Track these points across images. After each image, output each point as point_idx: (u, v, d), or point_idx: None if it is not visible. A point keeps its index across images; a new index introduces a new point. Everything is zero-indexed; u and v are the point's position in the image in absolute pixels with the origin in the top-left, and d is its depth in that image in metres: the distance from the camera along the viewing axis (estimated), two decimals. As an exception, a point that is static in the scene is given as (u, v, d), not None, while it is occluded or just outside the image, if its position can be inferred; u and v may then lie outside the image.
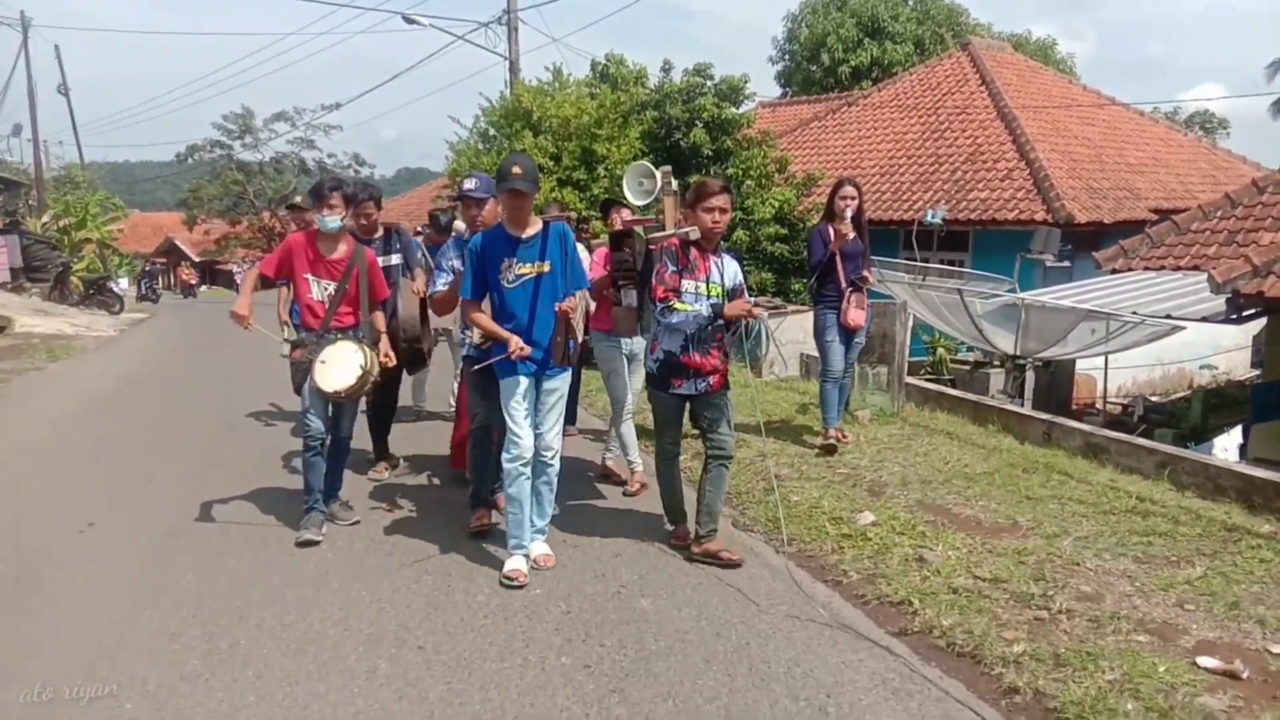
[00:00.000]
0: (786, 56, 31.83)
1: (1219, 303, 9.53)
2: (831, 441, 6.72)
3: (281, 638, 3.89)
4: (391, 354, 5.28)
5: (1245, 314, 9.65)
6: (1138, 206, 15.29)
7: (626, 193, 5.55)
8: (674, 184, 5.23)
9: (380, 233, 6.32)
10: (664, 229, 4.94)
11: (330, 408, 5.06)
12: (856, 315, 6.71)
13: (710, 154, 15.81)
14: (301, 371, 4.99)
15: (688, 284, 4.52)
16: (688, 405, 4.78)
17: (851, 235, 6.52)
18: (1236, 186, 12.11)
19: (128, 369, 12.68)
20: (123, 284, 28.42)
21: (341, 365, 4.89)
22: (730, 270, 4.69)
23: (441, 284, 5.18)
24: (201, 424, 8.27)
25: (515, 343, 4.34)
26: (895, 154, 18.05)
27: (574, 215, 6.60)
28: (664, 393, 4.72)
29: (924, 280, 13.09)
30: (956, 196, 15.59)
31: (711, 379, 4.66)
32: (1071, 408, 13.35)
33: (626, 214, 5.95)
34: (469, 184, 5.18)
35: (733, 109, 16.17)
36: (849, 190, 6.64)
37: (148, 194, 70.71)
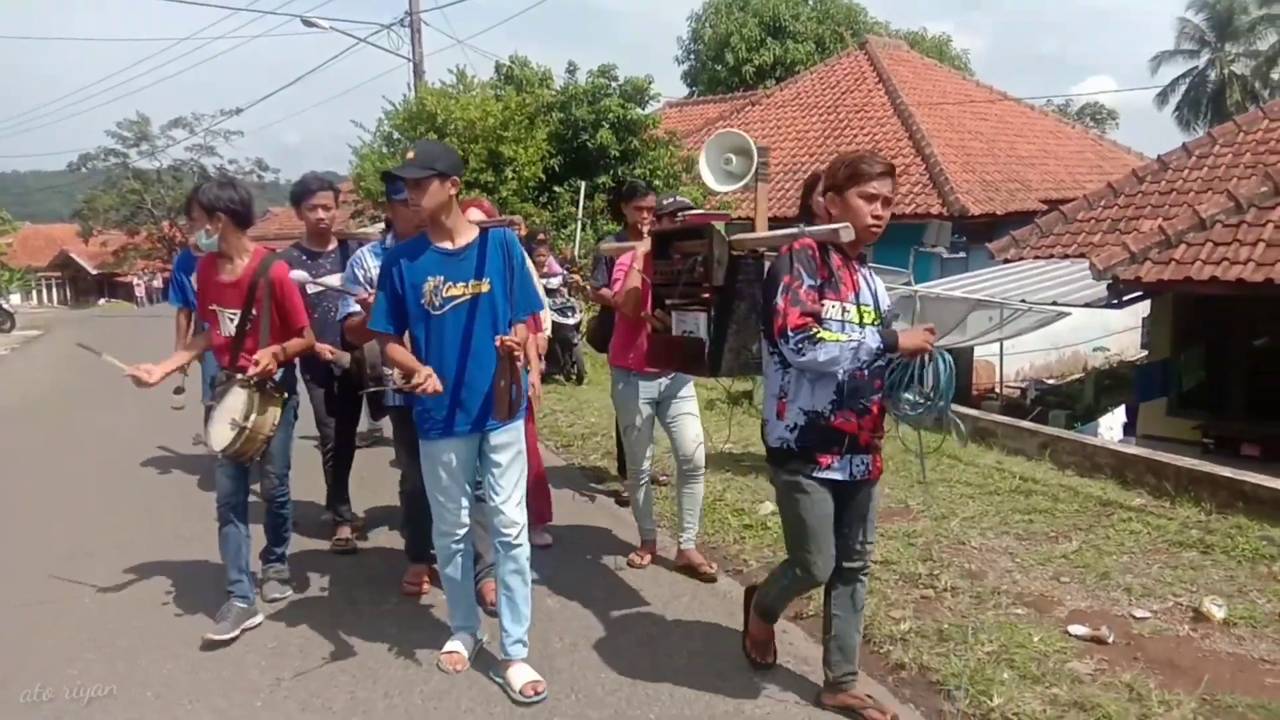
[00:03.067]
0: (692, 56, 32.19)
1: (1102, 288, 10.04)
2: None
3: (183, 657, 3.85)
4: (264, 360, 3.94)
5: (1125, 298, 10.19)
6: (1029, 198, 15.93)
7: (704, 173, 4.21)
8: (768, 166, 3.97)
9: (334, 245, 5.11)
10: (753, 227, 3.65)
11: (250, 462, 4.16)
12: None
13: (618, 155, 15.98)
14: (207, 421, 4.09)
15: (830, 306, 2.96)
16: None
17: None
18: (1120, 176, 12.71)
19: (24, 388, 12.24)
20: (14, 300, 27.31)
21: (224, 419, 3.94)
22: (880, 287, 3.18)
23: (355, 305, 4.17)
24: (105, 442, 8.06)
25: (420, 373, 3.27)
26: (798, 152, 18.45)
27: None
28: (807, 477, 3.01)
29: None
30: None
31: (871, 457, 3.10)
32: (972, 394, 13.87)
33: (651, 201, 4.78)
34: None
35: (638, 110, 16.37)
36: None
37: (40, 205, 67.96)
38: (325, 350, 4.74)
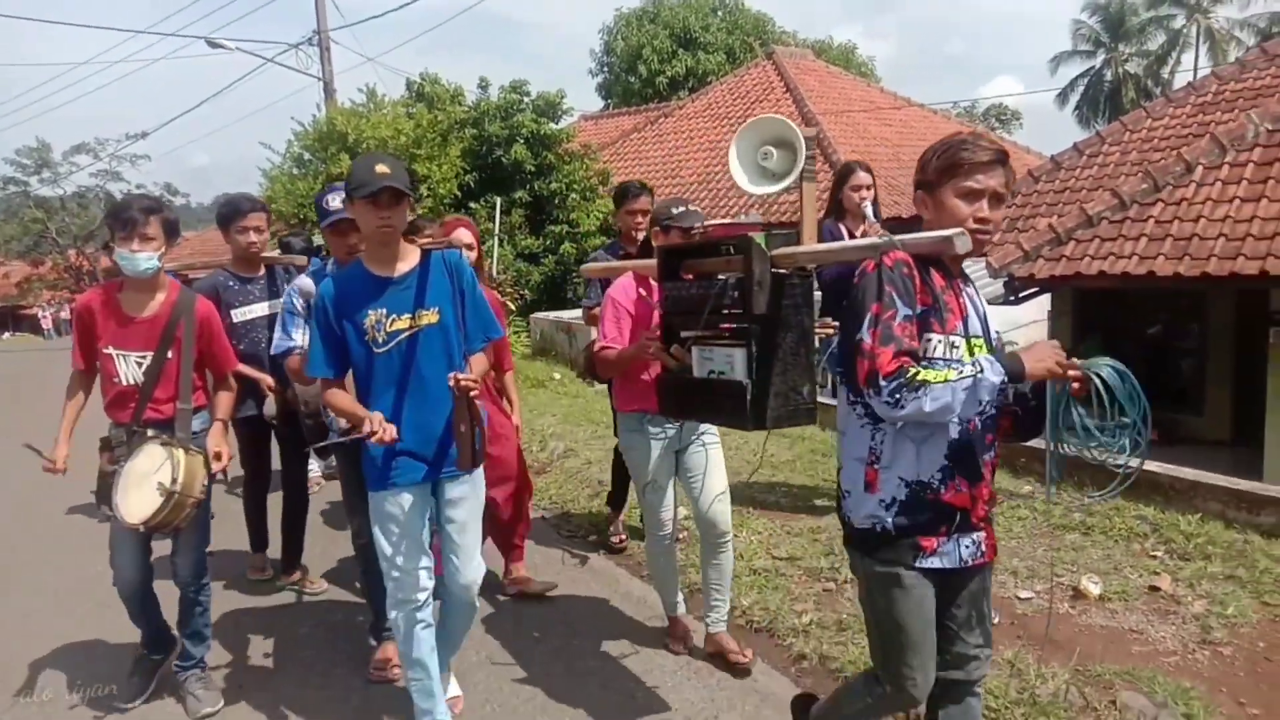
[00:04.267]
0: (605, 69, 32.45)
1: (999, 286, 10.48)
2: None
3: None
4: (223, 451, 3.59)
5: (1022, 295, 10.65)
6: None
7: (735, 171, 3.59)
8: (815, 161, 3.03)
9: (262, 270, 4.74)
10: (798, 238, 3.10)
11: (154, 541, 3.56)
12: None
13: (533, 169, 16.06)
14: (107, 487, 3.41)
15: (935, 341, 2.25)
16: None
17: (878, 234, 4.95)
18: (1019, 177, 13.24)
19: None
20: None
21: (142, 484, 3.32)
22: (986, 308, 2.49)
23: (297, 343, 3.64)
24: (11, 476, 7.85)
25: (371, 419, 2.87)
26: (711, 162, 18.75)
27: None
28: (908, 568, 2.33)
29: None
30: (770, 200, 16.36)
31: (984, 534, 2.40)
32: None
33: (645, 204, 4.47)
34: (335, 201, 3.54)
35: (551, 124, 16.48)
36: (862, 177, 5.00)
37: (-65, 237, 65.16)
38: (267, 381, 4.47)
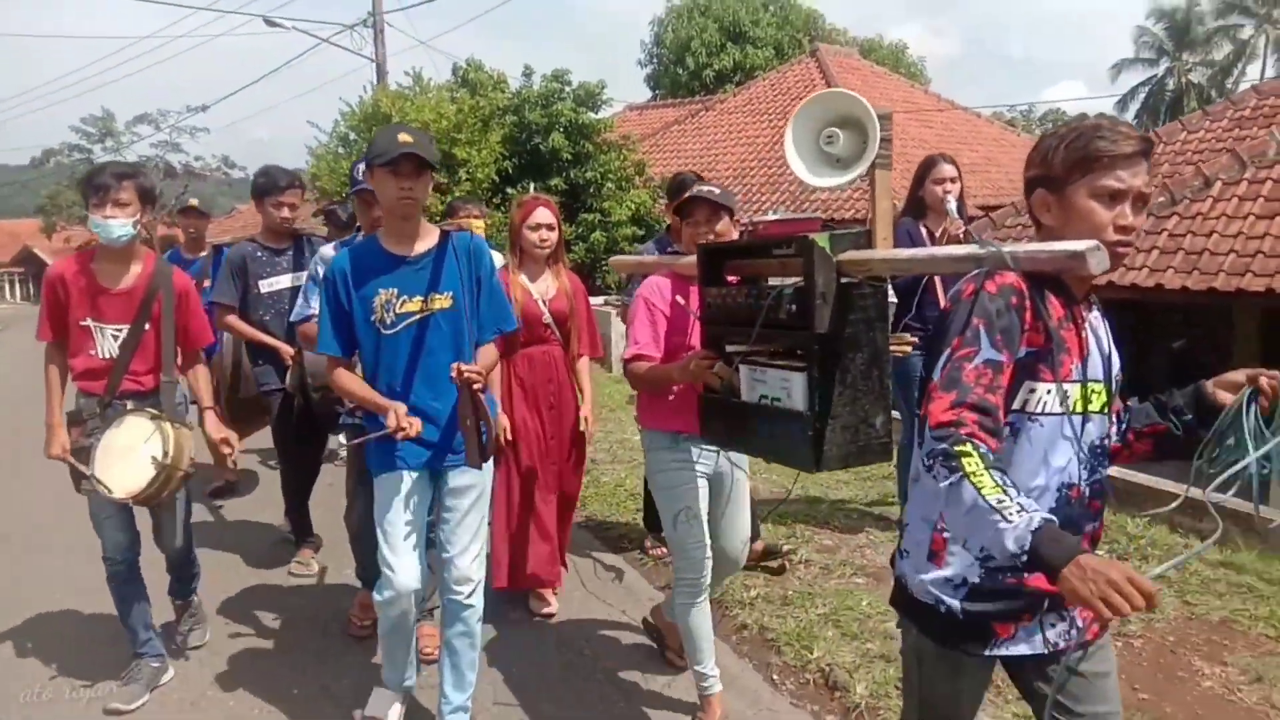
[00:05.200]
0: (654, 60, 32.69)
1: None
2: None
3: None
4: (229, 436, 3.58)
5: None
6: (968, 204, 16.50)
7: (792, 158, 2.90)
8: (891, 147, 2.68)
9: (289, 243, 4.80)
10: (870, 237, 2.45)
11: (140, 513, 3.50)
12: None
13: (570, 157, 16.37)
14: (82, 461, 3.30)
15: (1040, 389, 1.81)
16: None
17: (962, 233, 4.54)
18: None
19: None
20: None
21: (129, 456, 3.25)
22: (1111, 341, 1.96)
23: (315, 310, 3.72)
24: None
25: (396, 412, 2.79)
26: (747, 158, 18.93)
27: (476, 222, 4.48)
28: (971, 655, 1.93)
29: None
30: (801, 197, 16.52)
31: (1078, 611, 1.89)
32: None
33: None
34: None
35: (590, 114, 16.77)
36: (946, 170, 4.68)
37: (3, 201, 67.37)
38: (287, 351, 4.52)
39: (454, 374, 2.77)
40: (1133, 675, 3.52)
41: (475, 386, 2.81)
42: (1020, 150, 21.23)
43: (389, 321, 2.90)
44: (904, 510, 2.09)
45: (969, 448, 1.60)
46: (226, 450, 3.55)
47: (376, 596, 3.05)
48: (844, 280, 2.25)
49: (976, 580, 1.86)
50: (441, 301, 2.94)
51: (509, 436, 4.07)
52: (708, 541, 3.21)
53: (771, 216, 2.92)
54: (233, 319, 4.71)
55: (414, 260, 2.93)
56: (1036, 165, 1.87)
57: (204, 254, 6.16)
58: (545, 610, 4.29)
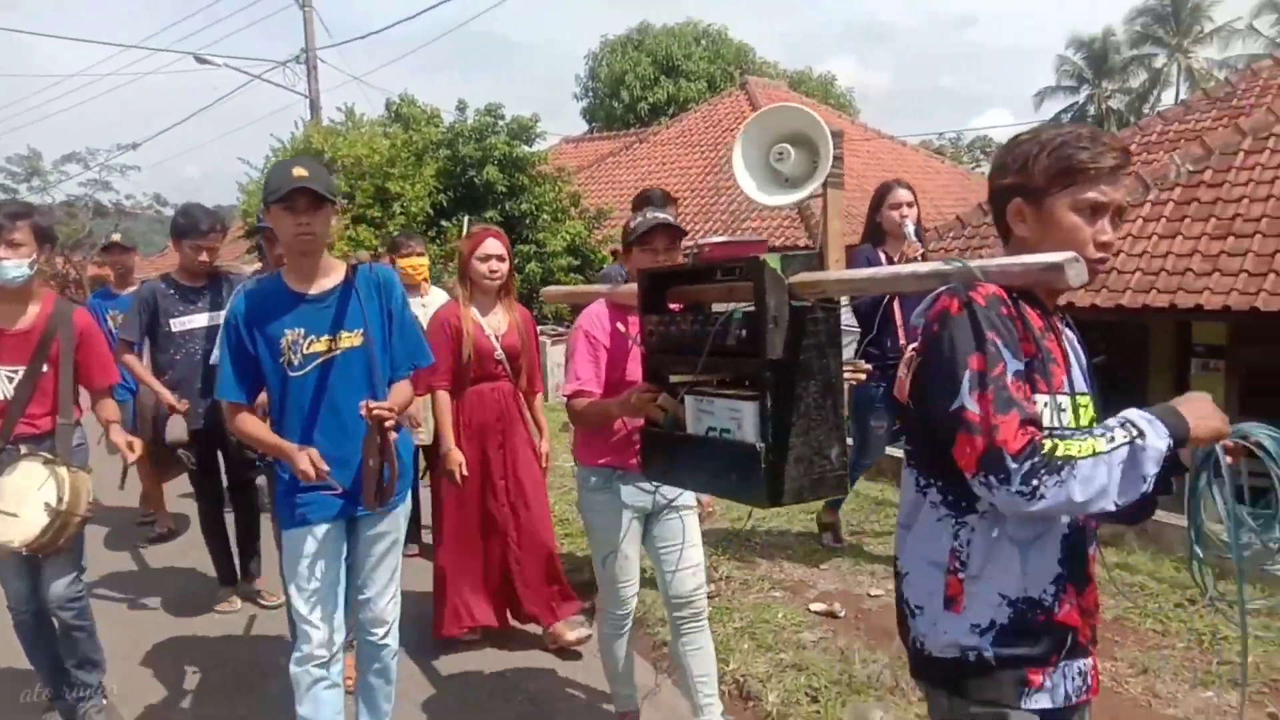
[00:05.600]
0: (590, 93, 33.03)
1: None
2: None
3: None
4: (134, 442, 3.48)
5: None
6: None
7: (740, 175, 2.65)
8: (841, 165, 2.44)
9: (205, 282, 4.67)
10: (820, 257, 2.28)
11: (30, 564, 3.32)
12: None
13: (505, 190, 16.48)
14: None
15: (1042, 400, 1.68)
16: None
17: (919, 256, 4.46)
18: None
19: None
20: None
21: (21, 502, 3.12)
22: (1085, 352, 1.89)
23: None
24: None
25: (305, 458, 2.67)
26: (680, 188, 19.20)
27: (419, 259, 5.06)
28: (1015, 708, 1.74)
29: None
30: (733, 226, 16.83)
31: (1090, 660, 1.83)
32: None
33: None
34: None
35: (525, 147, 16.93)
36: (902, 194, 4.73)
37: (-75, 242, 65.30)
38: (167, 399, 4.40)
39: (363, 411, 2.65)
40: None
41: (386, 424, 2.69)
42: (944, 178, 21.88)
43: (296, 363, 2.77)
44: (900, 576, 1.87)
45: (1051, 443, 1.54)
46: (130, 456, 3.43)
47: (294, 667, 2.86)
48: (796, 304, 2.12)
49: (1005, 621, 1.71)
50: (350, 339, 2.81)
51: (464, 473, 4.01)
52: (635, 581, 3.19)
53: (716, 239, 2.59)
54: (130, 358, 4.55)
55: (319, 298, 2.81)
56: (1014, 173, 1.75)
57: (133, 289, 5.90)
58: (577, 637, 4.13)
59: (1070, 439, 1.55)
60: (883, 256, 4.67)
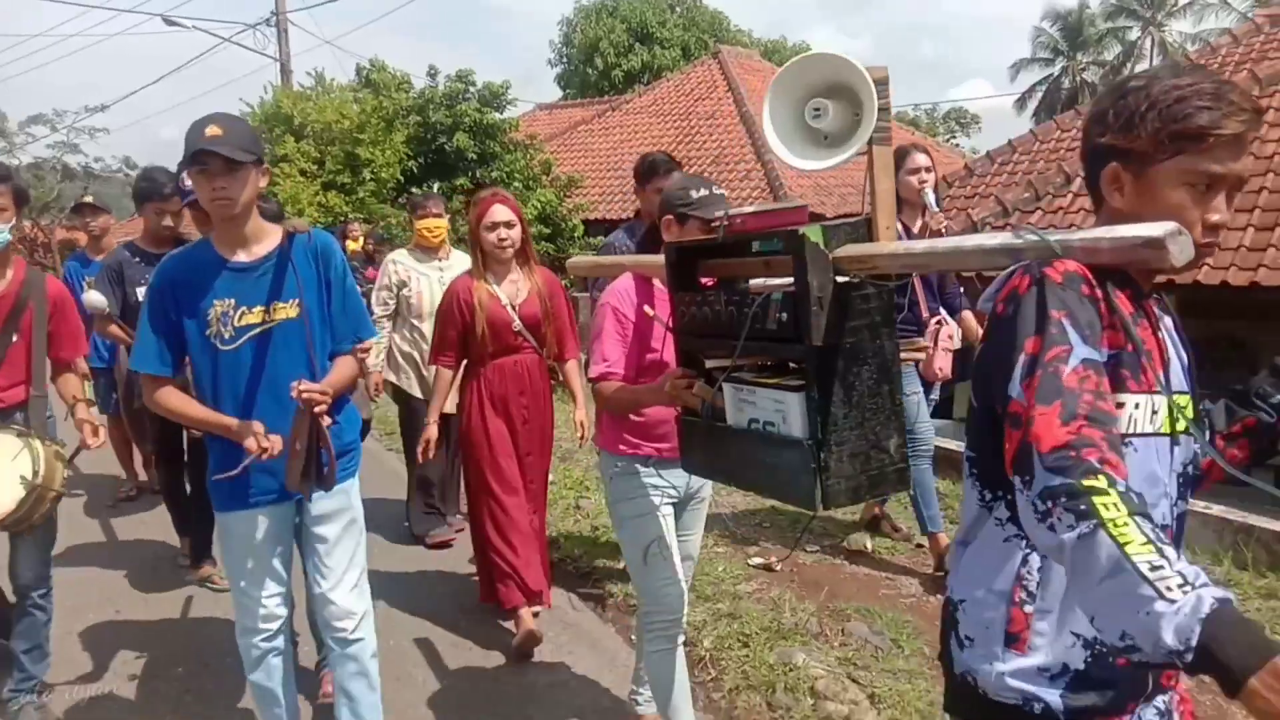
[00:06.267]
0: (564, 60, 32.94)
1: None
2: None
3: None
4: (98, 426, 3.30)
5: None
6: (860, 201, 17.15)
7: (772, 141, 2.27)
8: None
9: (171, 249, 4.15)
10: (869, 226, 1.97)
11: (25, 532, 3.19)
12: (945, 361, 4.38)
13: (475, 157, 16.54)
14: None
15: (1129, 403, 1.39)
16: None
17: (943, 227, 4.25)
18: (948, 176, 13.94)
19: None
20: None
21: None
22: (1185, 345, 1.57)
23: None
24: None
25: (253, 432, 2.48)
26: (653, 156, 19.34)
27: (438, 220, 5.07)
28: None
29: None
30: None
31: (1174, 695, 1.56)
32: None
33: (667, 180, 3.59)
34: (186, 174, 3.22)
35: (495, 114, 16.96)
36: (920, 159, 4.30)
37: (-112, 203, 64.22)
38: (124, 335, 4.26)
39: (293, 393, 2.45)
40: (945, 621, 3.96)
41: (317, 409, 2.50)
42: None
43: (227, 336, 2.55)
44: (952, 602, 1.59)
45: (1102, 481, 1.17)
46: (93, 442, 3.24)
47: (239, 639, 2.75)
48: (842, 280, 1.86)
49: (1081, 666, 1.43)
50: (286, 310, 2.60)
51: (431, 452, 3.98)
52: (681, 578, 2.85)
53: (749, 209, 2.25)
54: (114, 328, 4.41)
55: (252, 265, 2.58)
56: (1115, 130, 1.43)
57: (109, 253, 5.38)
58: (527, 641, 3.81)
59: (1130, 513, 1.13)
60: (900, 225, 3.94)
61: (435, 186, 15.41)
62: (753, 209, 2.23)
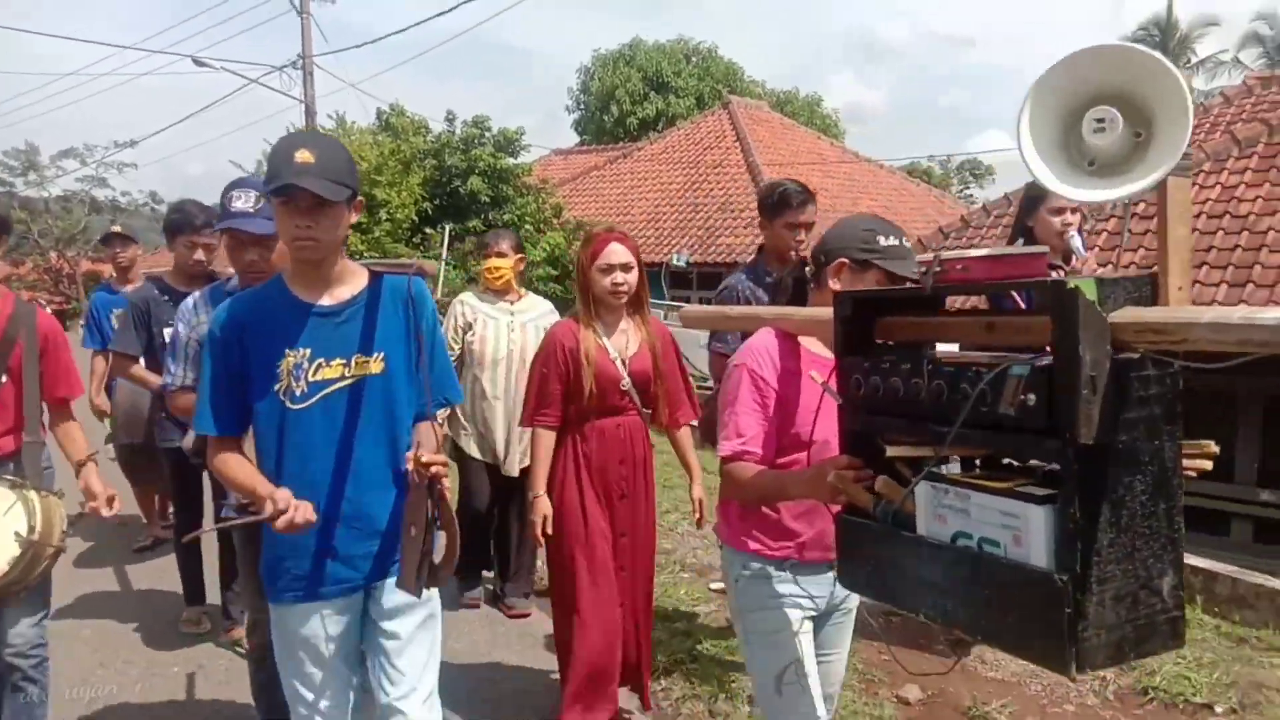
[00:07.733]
0: (582, 106, 33.76)
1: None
2: None
3: None
4: (101, 495, 2.85)
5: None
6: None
7: (1031, 161, 1.52)
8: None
9: (200, 286, 3.65)
10: (1156, 283, 1.48)
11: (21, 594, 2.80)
12: None
13: (488, 200, 17.10)
14: None
15: None
16: None
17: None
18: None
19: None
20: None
21: None
22: None
23: (178, 376, 2.93)
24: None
25: (280, 499, 1.99)
26: (660, 203, 19.89)
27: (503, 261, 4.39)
28: None
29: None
30: (708, 242, 17.46)
31: None
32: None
33: (811, 215, 3.47)
34: (239, 201, 2.81)
35: (509, 159, 17.56)
36: (1062, 202, 3.34)
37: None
38: (148, 378, 4.00)
39: (410, 465, 2.09)
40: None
41: (442, 484, 2.12)
42: (916, 199, 22.58)
43: (298, 393, 2.14)
44: None
45: None
46: (105, 512, 2.86)
47: None
48: (1119, 356, 1.40)
49: None
50: (373, 365, 2.19)
51: (548, 530, 3.29)
52: (823, 714, 2.28)
53: (976, 253, 1.73)
54: (137, 369, 4.09)
55: (335, 310, 2.18)
56: None
57: (136, 285, 5.23)
58: None
59: None
60: None
61: (447, 228, 15.93)
62: (981, 254, 1.73)
